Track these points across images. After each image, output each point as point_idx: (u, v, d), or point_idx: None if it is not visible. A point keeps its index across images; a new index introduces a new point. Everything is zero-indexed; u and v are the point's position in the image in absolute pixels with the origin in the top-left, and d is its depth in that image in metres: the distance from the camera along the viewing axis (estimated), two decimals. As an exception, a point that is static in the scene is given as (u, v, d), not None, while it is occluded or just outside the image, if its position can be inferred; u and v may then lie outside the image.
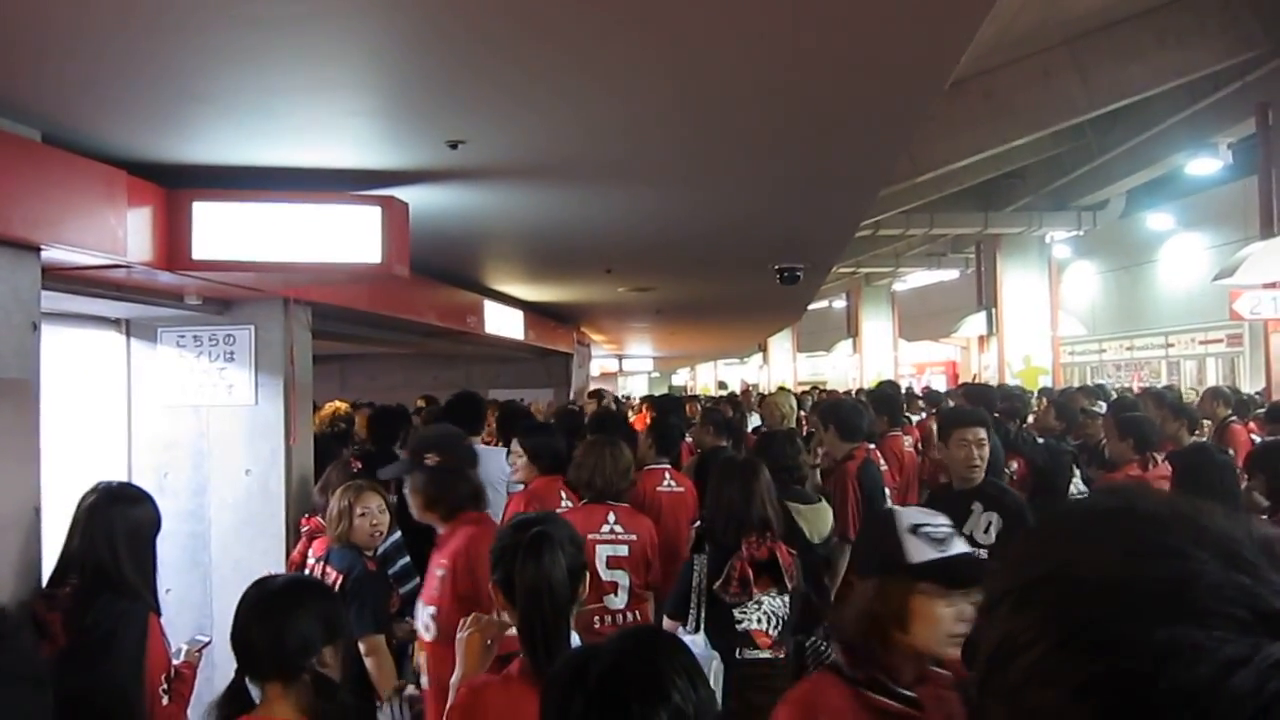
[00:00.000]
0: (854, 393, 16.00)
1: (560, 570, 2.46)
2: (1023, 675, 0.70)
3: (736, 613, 3.80)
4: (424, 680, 3.47)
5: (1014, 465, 7.23)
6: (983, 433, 4.45)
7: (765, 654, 3.80)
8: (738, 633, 3.79)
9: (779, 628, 3.86)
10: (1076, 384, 17.03)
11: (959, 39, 3.41)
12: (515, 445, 5.20)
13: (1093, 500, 0.82)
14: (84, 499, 3.27)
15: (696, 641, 3.63)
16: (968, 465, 4.41)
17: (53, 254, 3.75)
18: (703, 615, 3.83)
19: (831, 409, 6.06)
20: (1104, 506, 0.80)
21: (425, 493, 3.59)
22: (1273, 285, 11.40)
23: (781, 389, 12.84)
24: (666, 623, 3.99)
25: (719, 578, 3.80)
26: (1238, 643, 0.63)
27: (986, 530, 4.26)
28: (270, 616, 2.37)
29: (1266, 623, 0.64)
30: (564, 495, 4.97)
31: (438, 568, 3.48)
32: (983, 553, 4.24)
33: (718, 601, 3.81)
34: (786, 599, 3.88)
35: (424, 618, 3.48)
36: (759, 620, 3.82)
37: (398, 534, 4.71)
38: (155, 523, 3.33)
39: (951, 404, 9.58)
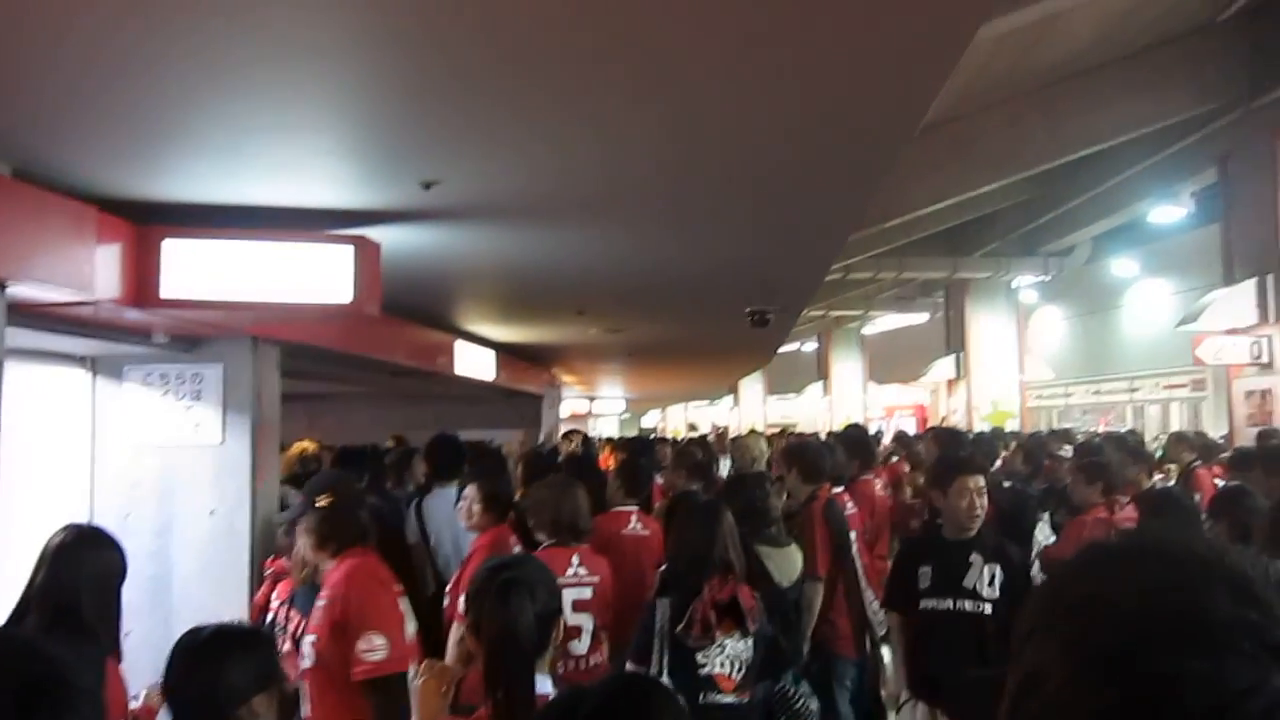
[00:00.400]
0: (824, 435, 16.04)
1: (527, 616, 2.43)
2: (1044, 704, 0.74)
3: (699, 656, 3.76)
4: (305, 709, 3.46)
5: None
6: (983, 480, 4.39)
7: (729, 698, 3.76)
8: (700, 677, 3.74)
9: (743, 671, 3.82)
10: (1044, 427, 17.16)
11: (927, 91, 3.46)
12: (471, 490, 4.88)
13: (1118, 542, 0.86)
14: (52, 538, 3.21)
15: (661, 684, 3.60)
16: (969, 515, 4.38)
17: (19, 290, 3.72)
18: (665, 660, 3.79)
19: (795, 451, 6.02)
20: (1127, 546, 0.83)
21: (318, 531, 3.69)
22: (1234, 331, 11.58)
23: (752, 431, 12.85)
24: (629, 667, 3.95)
25: (681, 621, 3.77)
26: (1247, 673, 0.66)
27: (991, 583, 4.23)
28: (199, 667, 2.34)
29: (1274, 654, 0.67)
30: (515, 544, 4.79)
31: (320, 599, 3.57)
32: (987, 608, 4.22)
33: (680, 645, 3.78)
34: (750, 642, 3.86)
35: (305, 646, 3.54)
36: (721, 664, 3.78)
37: None
38: (121, 570, 3.27)
39: (921, 447, 9.62)
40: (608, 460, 10.92)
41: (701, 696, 3.72)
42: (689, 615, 3.75)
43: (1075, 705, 0.71)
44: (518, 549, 4.64)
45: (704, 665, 3.76)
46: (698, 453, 10.92)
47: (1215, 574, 0.73)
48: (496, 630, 2.41)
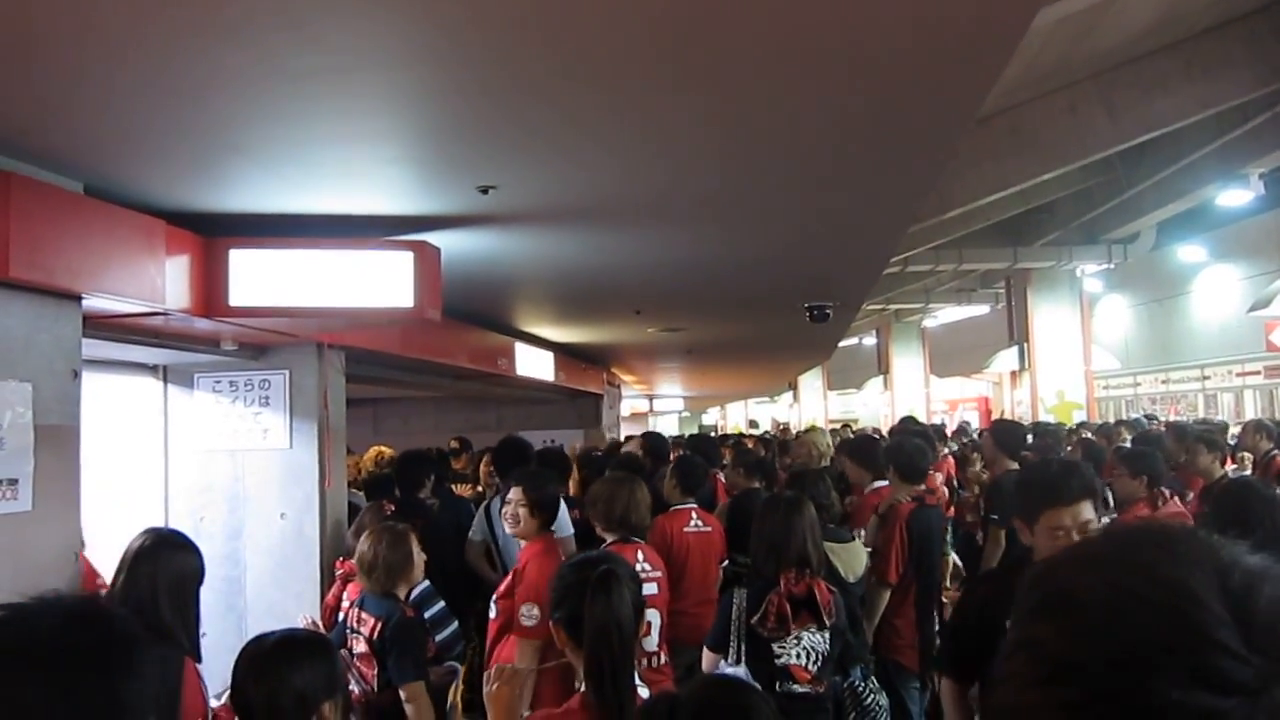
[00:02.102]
0: (885, 431, 15.89)
1: (628, 607, 2.47)
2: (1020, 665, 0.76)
3: (776, 647, 3.78)
4: None
5: None
6: (1088, 510, 3.00)
7: (804, 688, 3.77)
8: (776, 667, 3.77)
9: (819, 664, 3.83)
10: (1112, 419, 16.83)
11: (983, 80, 3.43)
12: (515, 494, 4.50)
13: (1098, 541, 0.85)
14: (133, 542, 3.31)
15: (738, 673, 3.62)
16: None
17: (93, 302, 3.83)
18: (743, 648, 3.81)
19: (894, 449, 5.80)
20: (1131, 537, 0.82)
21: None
22: (1309, 316, 11.28)
23: (813, 427, 12.77)
24: (707, 655, 3.97)
25: (757, 612, 3.78)
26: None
27: None
28: (265, 675, 2.38)
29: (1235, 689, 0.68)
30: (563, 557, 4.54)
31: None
32: None
33: (757, 635, 3.80)
34: (827, 635, 3.86)
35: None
36: (798, 655, 3.80)
37: (426, 582, 4.65)
38: (199, 573, 3.35)
39: (978, 439, 9.48)
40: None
41: (778, 685, 3.74)
42: (764, 607, 3.76)
43: (1047, 700, 0.73)
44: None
45: (780, 655, 3.78)
46: (760, 450, 10.91)
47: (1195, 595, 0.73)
48: (601, 621, 2.43)
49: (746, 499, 6.47)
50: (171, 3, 2.42)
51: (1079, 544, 0.83)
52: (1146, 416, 12.69)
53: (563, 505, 6.19)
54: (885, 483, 6.01)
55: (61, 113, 3.21)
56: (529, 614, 4.11)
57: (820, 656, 3.83)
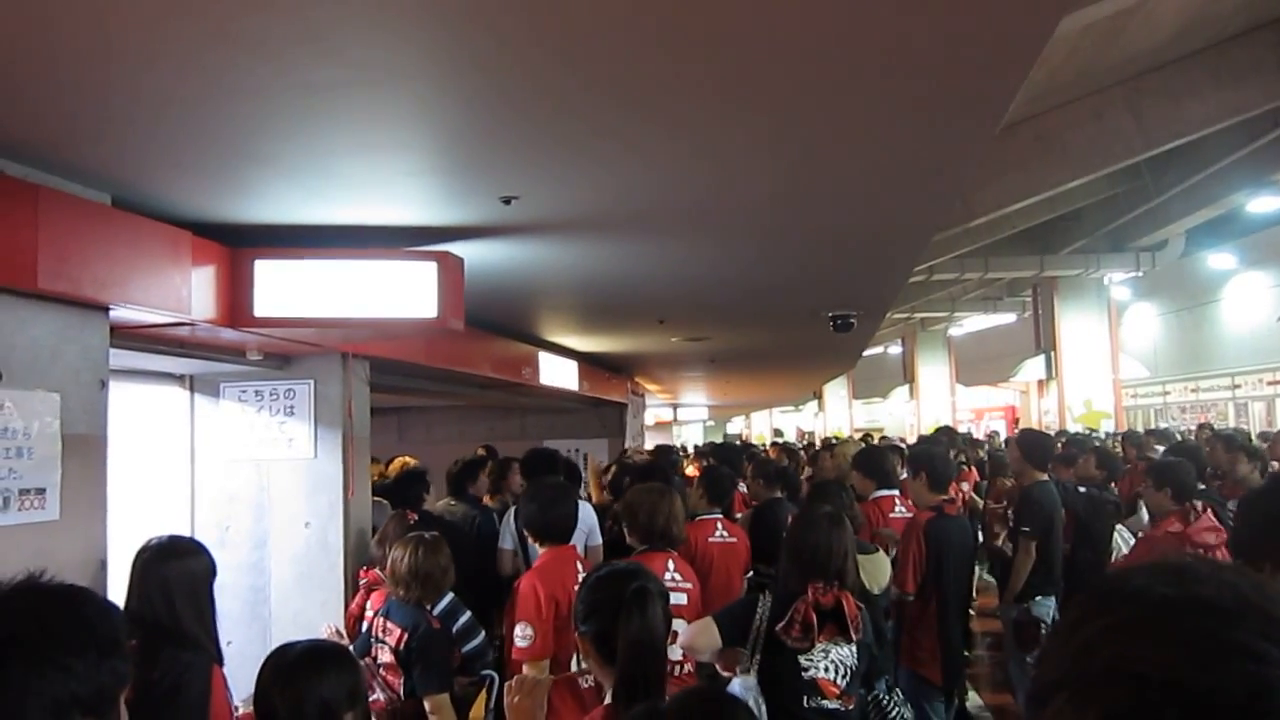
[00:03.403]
0: (900, 440, 15.80)
1: (661, 625, 2.46)
2: None
3: (803, 659, 3.67)
4: None
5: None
6: None
7: (833, 704, 3.67)
8: (804, 680, 3.66)
9: (847, 678, 3.73)
10: (1141, 428, 16.67)
11: (1007, 88, 3.40)
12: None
13: (1145, 582, 0.75)
14: (137, 556, 3.31)
15: (746, 683, 3.57)
16: None
17: (120, 313, 3.87)
18: (756, 656, 3.74)
19: (922, 457, 5.77)
20: (1159, 595, 0.74)
21: None
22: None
23: (845, 439, 12.73)
24: (706, 641, 3.82)
25: (782, 619, 3.67)
26: None
27: None
28: (289, 684, 2.39)
29: None
30: (580, 567, 4.36)
31: None
32: None
33: (784, 648, 3.69)
34: (854, 649, 3.79)
35: None
36: (826, 669, 3.69)
37: (451, 594, 4.63)
38: (210, 572, 3.34)
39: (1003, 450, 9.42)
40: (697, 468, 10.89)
41: (805, 700, 3.65)
42: (790, 615, 3.66)
43: None
44: (582, 571, 4.26)
45: (808, 669, 3.68)
46: (783, 458, 10.89)
47: (1275, 631, 0.67)
48: (636, 638, 2.42)
49: (770, 509, 6.47)
50: (192, 15, 2.44)
51: (1121, 604, 0.77)
52: (1149, 432, 12.53)
53: (592, 513, 6.21)
54: (886, 492, 6.00)
55: (88, 126, 3.24)
56: (523, 634, 4.03)
57: (849, 671, 3.74)
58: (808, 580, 3.75)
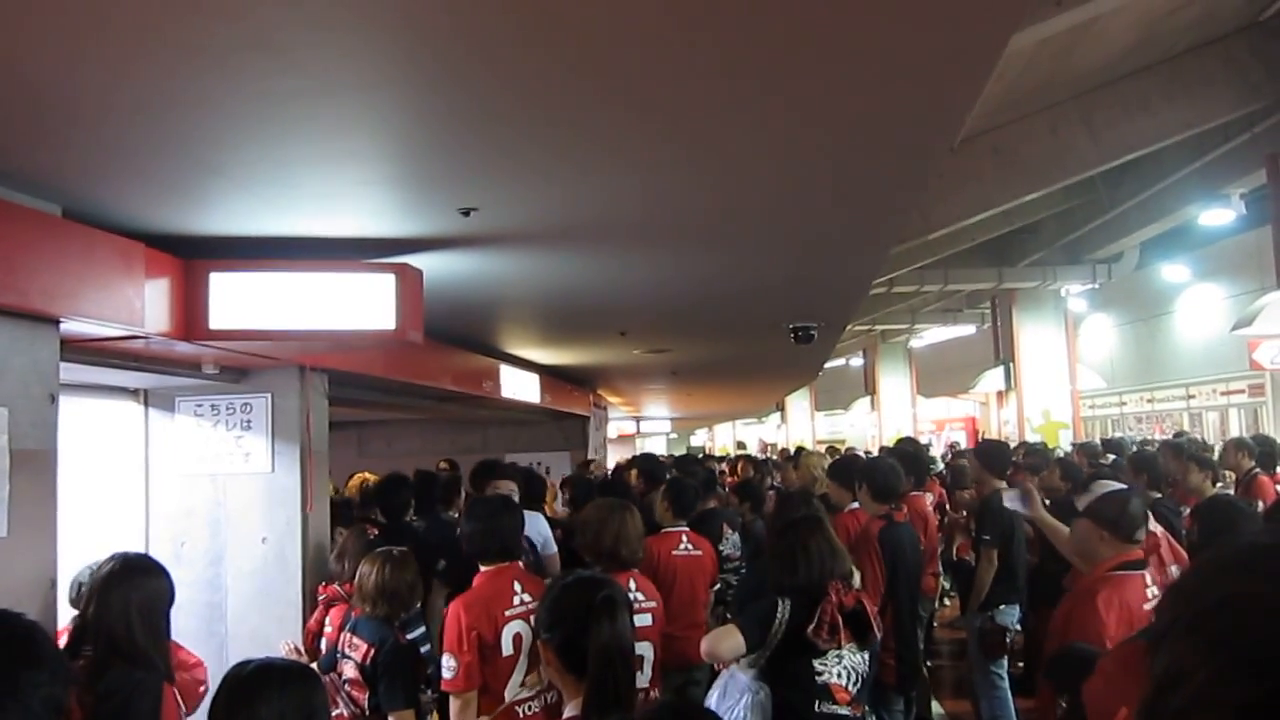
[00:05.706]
0: (866, 452, 15.89)
1: (629, 633, 2.43)
2: (1187, 700, 0.75)
3: (817, 664, 3.65)
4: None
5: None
6: None
7: (844, 710, 3.65)
8: (817, 685, 3.64)
9: (858, 685, 3.71)
10: (1098, 438, 16.87)
11: (961, 104, 3.44)
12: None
13: (1258, 536, 0.85)
14: (100, 568, 3.28)
15: (745, 678, 3.55)
16: None
17: (71, 326, 3.80)
18: (769, 656, 3.68)
19: (868, 469, 5.79)
20: (1267, 543, 0.84)
21: None
22: (1291, 334, 11.34)
23: (806, 450, 12.75)
24: (728, 648, 3.75)
25: (810, 622, 3.62)
26: None
27: None
28: (243, 704, 2.36)
29: None
30: (519, 586, 4.01)
31: None
32: None
33: (794, 652, 3.66)
34: (867, 655, 3.75)
35: None
36: (838, 674, 3.68)
37: (418, 605, 4.60)
38: (169, 595, 3.33)
39: (964, 462, 9.50)
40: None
41: (817, 705, 3.63)
42: (818, 616, 3.62)
43: (1219, 702, 0.72)
44: (524, 597, 3.97)
45: (822, 673, 3.66)
46: (748, 469, 10.91)
47: None
48: (606, 647, 2.38)
49: (709, 518, 6.61)
50: (149, 27, 2.41)
51: (1234, 549, 0.87)
52: (1104, 441, 12.72)
53: (544, 523, 6.19)
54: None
55: (38, 136, 3.19)
56: (447, 665, 3.79)
57: (860, 678, 3.72)
58: (822, 581, 3.73)
